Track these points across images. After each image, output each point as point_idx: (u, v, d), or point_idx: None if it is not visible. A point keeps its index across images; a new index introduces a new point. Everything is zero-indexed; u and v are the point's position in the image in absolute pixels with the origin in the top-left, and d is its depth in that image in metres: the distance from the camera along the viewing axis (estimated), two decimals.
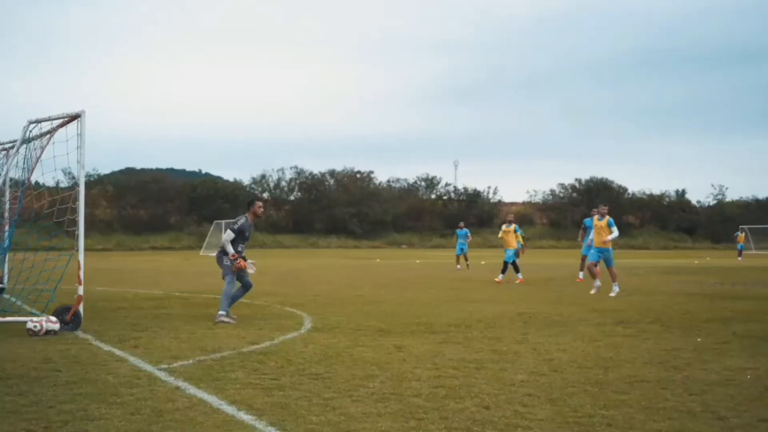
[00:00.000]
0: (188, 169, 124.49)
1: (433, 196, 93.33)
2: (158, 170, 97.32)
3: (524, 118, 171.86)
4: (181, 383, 7.74)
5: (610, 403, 7.02)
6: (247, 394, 7.23)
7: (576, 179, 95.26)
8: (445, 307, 15.59)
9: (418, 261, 43.18)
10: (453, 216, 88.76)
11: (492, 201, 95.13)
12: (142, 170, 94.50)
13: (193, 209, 78.76)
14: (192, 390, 7.42)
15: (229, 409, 6.63)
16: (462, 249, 33.17)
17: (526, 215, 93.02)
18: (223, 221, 57.06)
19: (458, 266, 32.77)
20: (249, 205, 13.72)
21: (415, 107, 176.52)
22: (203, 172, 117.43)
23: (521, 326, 12.64)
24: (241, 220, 13.42)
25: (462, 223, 35.17)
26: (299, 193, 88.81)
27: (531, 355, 9.73)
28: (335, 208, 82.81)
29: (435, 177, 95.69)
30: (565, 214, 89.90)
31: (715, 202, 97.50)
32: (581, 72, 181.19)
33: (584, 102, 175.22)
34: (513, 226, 24.95)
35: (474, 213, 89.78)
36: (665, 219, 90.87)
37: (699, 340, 11.18)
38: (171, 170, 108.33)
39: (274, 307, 15.34)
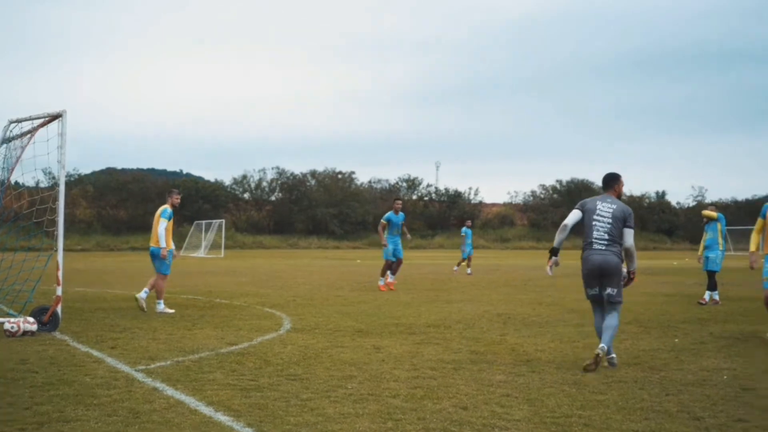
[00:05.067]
0: (169, 169, 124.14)
1: (414, 197, 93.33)
2: (139, 170, 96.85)
3: (506, 119, 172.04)
4: (158, 384, 7.72)
5: (587, 403, 7.06)
6: (224, 395, 7.22)
7: (557, 180, 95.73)
8: (424, 308, 15.62)
9: None
10: (434, 217, 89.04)
11: (473, 202, 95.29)
12: (123, 170, 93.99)
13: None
14: (169, 391, 7.41)
15: (207, 410, 6.62)
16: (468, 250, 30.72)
17: (506, 216, 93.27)
18: (204, 221, 56.99)
19: (468, 270, 30.41)
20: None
21: (397, 108, 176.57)
22: (184, 172, 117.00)
23: (500, 327, 12.68)
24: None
25: (469, 222, 33.37)
26: (280, 194, 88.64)
27: (509, 355, 9.76)
28: (316, 209, 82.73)
29: (416, 178, 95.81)
30: (546, 215, 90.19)
31: (694, 203, 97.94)
32: (563, 73, 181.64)
33: (565, 103, 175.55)
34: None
35: (455, 214, 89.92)
36: (645, 220, 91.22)
37: (676, 340, 11.25)
38: (152, 170, 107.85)
39: (254, 308, 15.32)
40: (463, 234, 31.26)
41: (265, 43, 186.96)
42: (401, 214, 21.17)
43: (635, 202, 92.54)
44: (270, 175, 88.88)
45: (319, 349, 10.09)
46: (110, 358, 9.31)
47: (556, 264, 9.66)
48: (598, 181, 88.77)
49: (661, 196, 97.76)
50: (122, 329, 12.05)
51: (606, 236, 9.12)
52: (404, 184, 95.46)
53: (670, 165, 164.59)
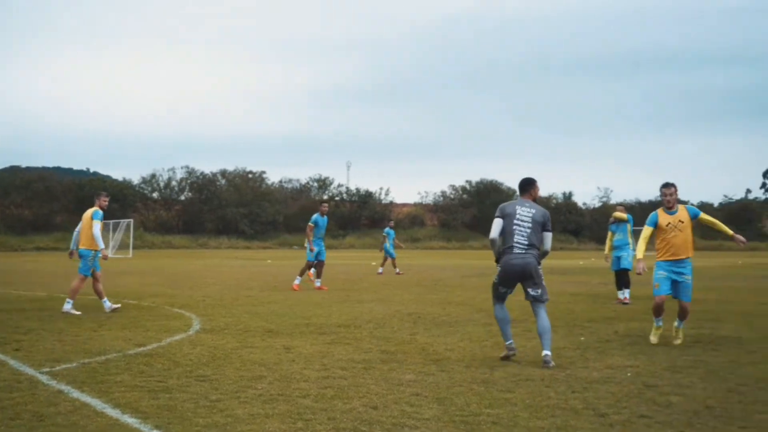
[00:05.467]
0: (76, 167, 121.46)
1: (325, 197, 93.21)
2: (44, 169, 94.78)
3: (416, 119, 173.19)
4: (63, 387, 7.57)
5: (495, 401, 7.14)
6: (132, 397, 7.12)
7: (466, 181, 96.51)
8: (335, 308, 15.62)
9: None
10: (345, 217, 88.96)
11: (384, 202, 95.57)
12: (27, 169, 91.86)
13: (81, 209, 76.64)
14: (75, 393, 7.27)
15: (113, 413, 6.52)
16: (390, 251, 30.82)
17: (417, 216, 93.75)
18: (111, 221, 55.98)
19: (380, 269, 30.47)
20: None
21: (308, 108, 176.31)
22: (91, 170, 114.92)
23: (410, 326, 12.75)
24: None
25: (392, 222, 33.33)
26: (190, 193, 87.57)
27: (419, 354, 9.82)
28: (226, 209, 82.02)
29: (327, 178, 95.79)
30: (456, 215, 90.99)
31: (600, 204, 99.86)
32: (473, 75, 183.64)
33: (475, 105, 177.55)
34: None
35: (366, 214, 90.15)
36: (552, 221, 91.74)
37: (582, 339, 11.46)
38: (58, 169, 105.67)
39: (162, 309, 15.12)
40: (385, 234, 31.27)
41: (175, 42, 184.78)
42: (326, 217, 21.29)
43: (542, 202, 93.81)
44: (179, 174, 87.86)
45: (229, 350, 10.02)
46: (13, 361, 9.10)
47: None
48: (507, 182, 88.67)
49: (567, 196, 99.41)
50: (26, 330, 11.78)
51: (526, 241, 9.45)
52: (315, 184, 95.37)
53: (576, 166, 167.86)
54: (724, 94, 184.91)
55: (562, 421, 6.43)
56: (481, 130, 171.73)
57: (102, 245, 14.59)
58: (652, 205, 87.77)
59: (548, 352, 9.19)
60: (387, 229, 31.44)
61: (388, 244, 30.80)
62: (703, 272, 33.14)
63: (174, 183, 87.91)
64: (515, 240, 9.45)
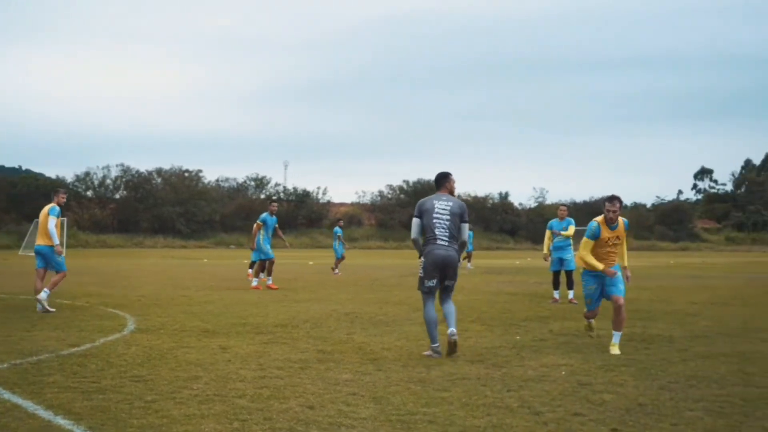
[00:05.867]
0: (7, 165, 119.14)
1: (262, 196, 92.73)
2: None
3: (354, 119, 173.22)
4: None
5: (432, 400, 7.18)
6: (65, 398, 7.02)
7: (404, 181, 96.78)
8: (272, 307, 15.56)
9: (246, 261, 42.81)
10: (282, 216, 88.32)
11: (321, 201, 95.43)
12: None
13: (12, 207, 75.47)
14: (6, 395, 7.15)
15: (45, 414, 6.42)
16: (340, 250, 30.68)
17: (354, 216, 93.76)
18: None
19: (335, 269, 30.24)
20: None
21: (246, 106, 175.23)
22: (23, 168, 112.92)
23: (347, 326, 12.76)
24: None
25: (341, 221, 33.40)
26: (125, 192, 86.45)
27: (356, 354, 9.84)
28: (162, 207, 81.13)
29: (265, 177, 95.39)
30: (393, 215, 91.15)
31: (536, 204, 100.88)
32: (410, 75, 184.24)
33: (413, 104, 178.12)
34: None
35: (303, 213, 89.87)
36: (489, 220, 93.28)
37: (518, 337, 11.57)
38: None
39: (97, 308, 14.93)
40: (339, 235, 31.20)
41: (110, 38, 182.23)
42: (275, 216, 21.53)
43: (479, 202, 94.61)
44: (114, 172, 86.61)
45: (164, 350, 9.93)
46: None
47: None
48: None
49: (504, 197, 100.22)
50: None
51: (447, 233, 9.81)
52: (252, 183, 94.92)
53: (512, 167, 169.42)
54: (656, 97, 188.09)
55: (497, 419, 6.49)
56: (418, 130, 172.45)
57: (56, 241, 14.66)
58: (587, 206, 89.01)
59: (454, 329, 9.71)
60: (336, 228, 31.51)
61: (336, 243, 30.82)
62: (635, 272, 33.57)
63: (109, 181, 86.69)
64: (437, 233, 9.79)
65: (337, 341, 10.97)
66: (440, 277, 9.87)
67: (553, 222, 18.20)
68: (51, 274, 14.91)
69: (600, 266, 10.34)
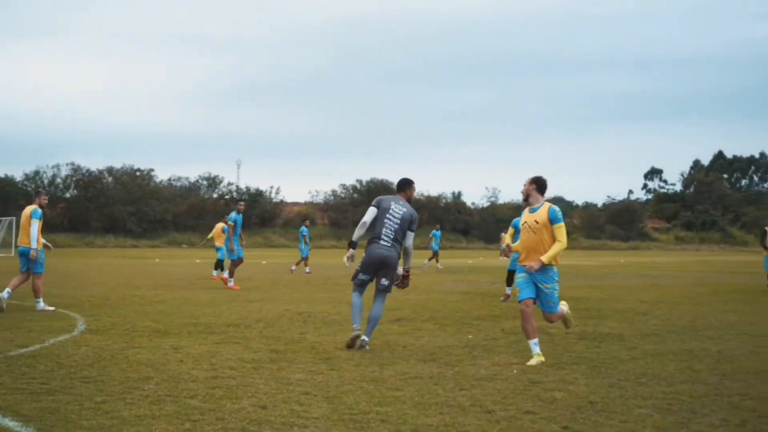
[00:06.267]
0: None
1: (215, 196, 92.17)
2: None
3: (307, 118, 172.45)
4: None
5: (384, 399, 7.20)
6: (13, 400, 6.93)
7: (357, 180, 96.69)
8: (224, 307, 15.49)
9: (198, 261, 42.60)
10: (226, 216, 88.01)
11: (274, 201, 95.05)
12: None
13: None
14: None
15: None
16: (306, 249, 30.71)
17: (307, 215, 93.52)
18: None
19: (304, 269, 30.34)
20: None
21: (198, 105, 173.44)
22: None
23: (300, 325, 12.74)
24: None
25: (308, 221, 33.61)
26: (75, 191, 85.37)
27: (309, 353, 9.83)
28: (113, 207, 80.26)
29: (217, 176, 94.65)
30: (346, 214, 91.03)
31: (488, 204, 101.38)
32: (365, 74, 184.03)
33: (367, 104, 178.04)
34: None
35: (256, 212, 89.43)
36: (442, 220, 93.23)
37: (470, 336, 11.63)
38: None
39: (46, 309, 14.73)
40: (304, 234, 31.24)
41: (60, 35, 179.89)
42: (241, 215, 21.93)
43: (432, 202, 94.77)
44: (64, 171, 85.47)
45: (115, 350, 9.85)
46: None
47: (352, 258, 10.48)
48: (397, 181, 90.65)
49: (457, 196, 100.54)
50: None
51: (392, 235, 10.28)
52: (205, 183, 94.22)
53: (465, 166, 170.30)
54: (607, 97, 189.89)
55: (450, 418, 6.52)
56: (372, 129, 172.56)
57: (35, 245, 14.75)
58: None
59: (367, 339, 10.21)
60: (303, 228, 31.57)
61: (302, 243, 30.88)
62: (586, 271, 34.01)
63: (59, 180, 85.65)
64: (383, 233, 10.30)
65: (290, 341, 10.95)
66: (376, 274, 10.44)
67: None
68: (37, 276, 15.05)
69: (507, 240, 10.53)
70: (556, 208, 9.63)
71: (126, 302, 16.44)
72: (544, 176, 9.88)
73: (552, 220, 9.52)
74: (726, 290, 22.60)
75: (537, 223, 9.59)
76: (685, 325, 13.46)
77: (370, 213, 10.35)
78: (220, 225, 26.68)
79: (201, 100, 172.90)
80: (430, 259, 35.13)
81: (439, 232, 37.36)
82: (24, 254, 14.91)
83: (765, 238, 23.14)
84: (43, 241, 15.19)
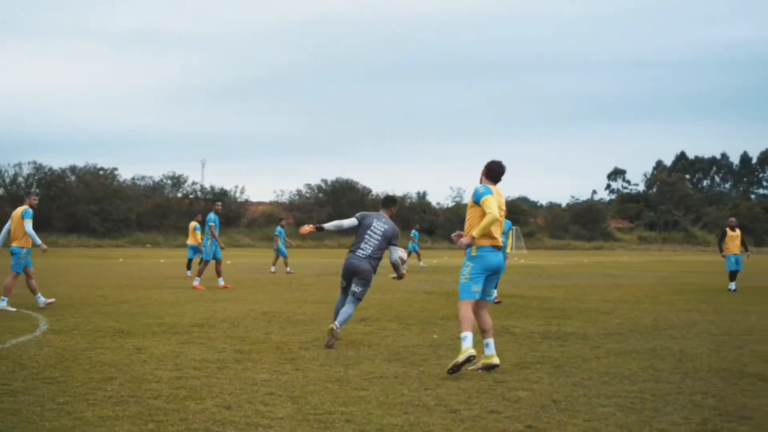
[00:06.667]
0: None
1: (179, 195, 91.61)
2: None
3: (272, 118, 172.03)
4: None
5: (349, 399, 7.20)
6: None
7: (322, 180, 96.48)
8: (188, 307, 15.41)
9: (162, 260, 42.39)
10: (199, 215, 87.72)
11: (239, 200, 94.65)
12: None
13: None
14: None
15: None
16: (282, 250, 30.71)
17: (272, 215, 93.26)
18: None
19: (287, 268, 30.39)
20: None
21: (163, 104, 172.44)
22: None
23: (265, 325, 12.71)
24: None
25: (283, 221, 33.67)
26: (37, 190, 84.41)
27: (274, 353, 9.81)
28: (76, 206, 79.51)
29: (182, 175, 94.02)
30: (311, 214, 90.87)
31: (453, 204, 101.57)
32: (329, 73, 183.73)
33: (332, 105, 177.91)
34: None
35: (221, 212, 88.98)
36: (407, 219, 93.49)
37: (435, 336, 11.66)
38: None
39: (7, 309, 14.58)
40: (277, 234, 31.26)
41: (23, 34, 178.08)
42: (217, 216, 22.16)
43: (398, 202, 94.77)
44: (26, 170, 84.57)
45: (78, 351, 9.76)
46: None
47: (306, 230, 11.28)
48: (362, 181, 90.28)
49: (422, 196, 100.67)
50: None
51: (369, 250, 10.89)
52: (169, 182, 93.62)
53: (431, 166, 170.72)
54: (572, 99, 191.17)
55: (414, 417, 6.53)
56: (337, 129, 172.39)
57: (39, 241, 15.20)
58: (508, 204, 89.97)
59: (337, 324, 10.48)
60: (278, 228, 31.62)
61: (280, 243, 30.87)
62: (550, 270, 34.22)
63: (21, 179, 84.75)
64: (360, 246, 10.93)
65: (254, 341, 10.92)
66: (349, 281, 10.96)
67: None
68: (31, 271, 15.45)
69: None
70: (479, 187, 9.06)
71: (89, 302, 16.31)
72: (496, 162, 9.26)
73: (475, 199, 9.00)
74: (688, 290, 22.82)
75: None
76: (648, 324, 13.57)
77: (349, 222, 11.11)
78: (192, 224, 26.85)
79: (165, 99, 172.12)
80: (410, 259, 35.43)
81: (417, 233, 38.88)
82: (16, 254, 15.20)
83: (723, 237, 23.36)
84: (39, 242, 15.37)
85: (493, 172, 9.24)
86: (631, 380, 8.35)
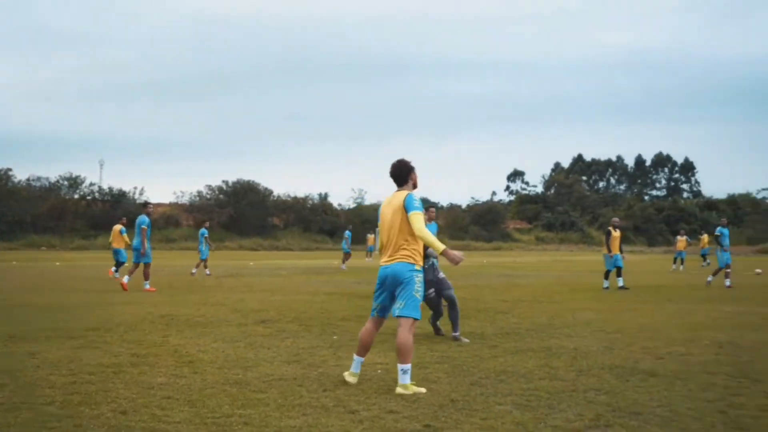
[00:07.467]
0: None
1: (76, 196, 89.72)
2: None
3: (172, 118, 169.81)
4: None
5: (247, 402, 7.17)
6: None
7: (223, 181, 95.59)
8: (84, 311, 15.12)
9: (58, 263, 41.45)
10: (97, 217, 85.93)
11: (138, 201, 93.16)
12: None
13: None
14: None
15: None
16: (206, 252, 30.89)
17: (172, 216, 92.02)
18: None
19: (207, 272, 30.18)
20: None
21: (59, 104, 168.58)
22: None
23: (163, 328, 12.55)
24: None
25: (207, 223, 33.70)
26: None
27: (171, 357, 9.70)
28: None
29: (79, 176, 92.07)
30: (212, 215, 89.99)
31: (355, 205, 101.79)
32: (229, 74, 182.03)
33: (234, 104, 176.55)
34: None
35: (120, 213, 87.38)
36: (309, 221, 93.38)
37: (335, 337, 11.68)
38: None
39: None
40: (205, 236, 31.22)
41: None
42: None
43: (299, 203, 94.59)
44: None
45: None
46: None
47: None
48: (264, 182, 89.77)
49: (323, 197, 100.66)
50: None
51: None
52: (65, 183, 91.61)
53: (332, 167, 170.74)
54: (472, 101, 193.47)
55: (313, 419, 6.54)
56: (238, 130, 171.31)
57: None
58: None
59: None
60: (202, 230, 31.74)
61: (204, 246, 30.93)
62: (450, 271, 34.54)
63: None
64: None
65: (152, 344, 10.78)
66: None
67: None
68: None
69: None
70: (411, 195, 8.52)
71: None
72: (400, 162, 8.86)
73: (407, 207, 8.38)
74: (583, 289, 23.35)
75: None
76: (544, 323, 13.83)
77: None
78: (117, 227, 26.54)
79: (63, 98, 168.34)
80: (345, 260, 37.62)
81: (349, 232, 39.52)
82: None
83: (609, 237, 24.04)
84: None
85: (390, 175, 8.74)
86: (527, 378, 8.51)
